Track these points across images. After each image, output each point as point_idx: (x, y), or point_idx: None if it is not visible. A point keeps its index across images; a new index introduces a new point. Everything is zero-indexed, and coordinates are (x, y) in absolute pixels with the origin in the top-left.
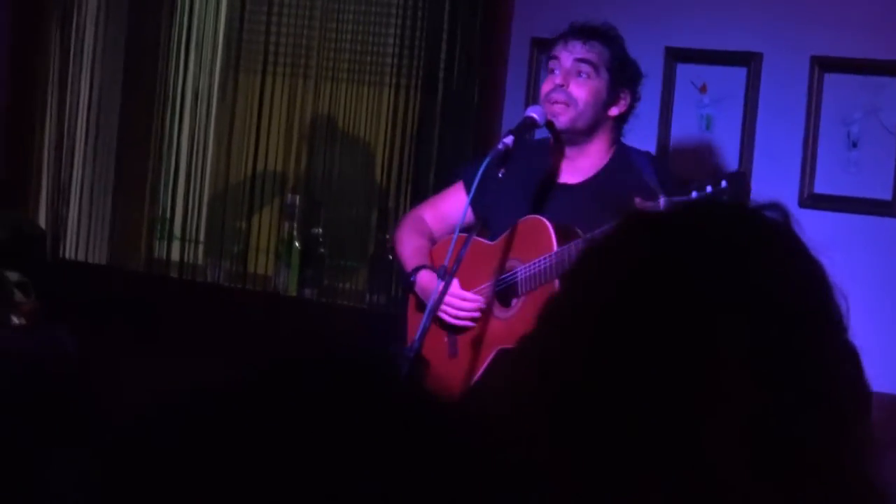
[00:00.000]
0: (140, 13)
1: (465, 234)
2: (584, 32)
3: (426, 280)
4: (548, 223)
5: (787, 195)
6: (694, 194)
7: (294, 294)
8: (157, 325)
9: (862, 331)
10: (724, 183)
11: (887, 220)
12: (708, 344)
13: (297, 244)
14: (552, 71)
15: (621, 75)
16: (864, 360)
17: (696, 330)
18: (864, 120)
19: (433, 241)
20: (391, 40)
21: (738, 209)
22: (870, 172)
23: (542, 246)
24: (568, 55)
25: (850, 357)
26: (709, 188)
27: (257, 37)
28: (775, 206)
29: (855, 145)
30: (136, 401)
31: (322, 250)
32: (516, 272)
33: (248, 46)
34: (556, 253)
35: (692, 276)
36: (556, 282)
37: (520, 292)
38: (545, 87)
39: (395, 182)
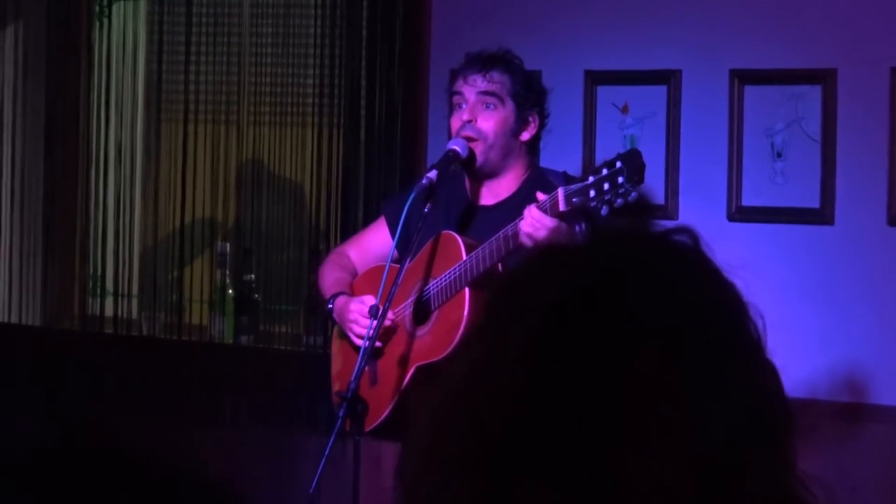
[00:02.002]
0: (57, 72)
1: (396, 265)
2: (482, 63)
3: (341, 303)
4: (456, 235)
5: (715, 209)
6: (591, 178)
7: (231, 342)
8: (98, 383)
9: (798, 339)
10: (618, 163)
11: (817, 228)
12: (638, 381)
13: (230, 292)
14: (459, 106)
15: (526, 100)
16: (804, 368)
17: (624, 365)
18: (786, 130)
19: (355, 275)
20: (311, 81)
21: (649, 236)
22: (796, 182)
23: (453, 258)
24: (471, 89)
25: (771, 374)
26: (605, 170)
27: (177, 86)
28: (684, 230)
29: (780, 156)
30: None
31: (256, 296)
32: (429, 288)
33: (168, 97)
34: (464, 262)
35: (612, 309)
36: (466, 291)
37: (433, 307)
38: (454, 124)
39: (323, 223)
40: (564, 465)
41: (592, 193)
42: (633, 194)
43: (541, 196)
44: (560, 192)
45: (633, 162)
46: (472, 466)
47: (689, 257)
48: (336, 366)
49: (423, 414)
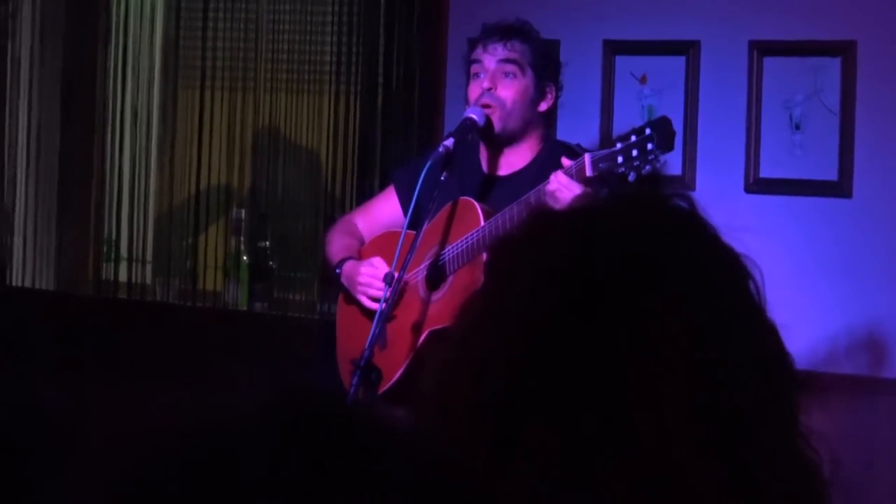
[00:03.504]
0: (75, 36)
1: (411, 232)
2: (502, 33)
3: (349, 268)
4: (474, 202)
5: (733, 181)
6: (619, 145)
7: (245, 308)
8: (111, 349)
9: (815, 312)
10: (648, 130)
11: (834, 201)
12: (641, 331)
13: (245, 258)
14: (477, 75)
15: (545, 70)
16: (821, 340)
17: (627, 318)
18: (805, 102)
19: (362, 242)
20: (328, 48)
21: (648, 199)
22: (814, 154)
23: (470, 223)
24: (491, 58)
25: (772, 331)
26: (633, 137)
27: (194, 52)
28: (681, 195)
29: (798, 128)
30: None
31: (271, 263)
32: (444, 253)
33: (185, 63)
34: (483, 227)
35: (614, 260)
36: (484, 255)
37: (448, 272)
38: (473, 92)
39: (339, 190)
40: (569, 410)
41: (620, 159)
42: (661, 160)
43: (566, 162)
44: (587, 157)
45: (663, 129)
46: (479, 414)
47: (687, 218)
48: (343, 332)
49: (431, 371)
